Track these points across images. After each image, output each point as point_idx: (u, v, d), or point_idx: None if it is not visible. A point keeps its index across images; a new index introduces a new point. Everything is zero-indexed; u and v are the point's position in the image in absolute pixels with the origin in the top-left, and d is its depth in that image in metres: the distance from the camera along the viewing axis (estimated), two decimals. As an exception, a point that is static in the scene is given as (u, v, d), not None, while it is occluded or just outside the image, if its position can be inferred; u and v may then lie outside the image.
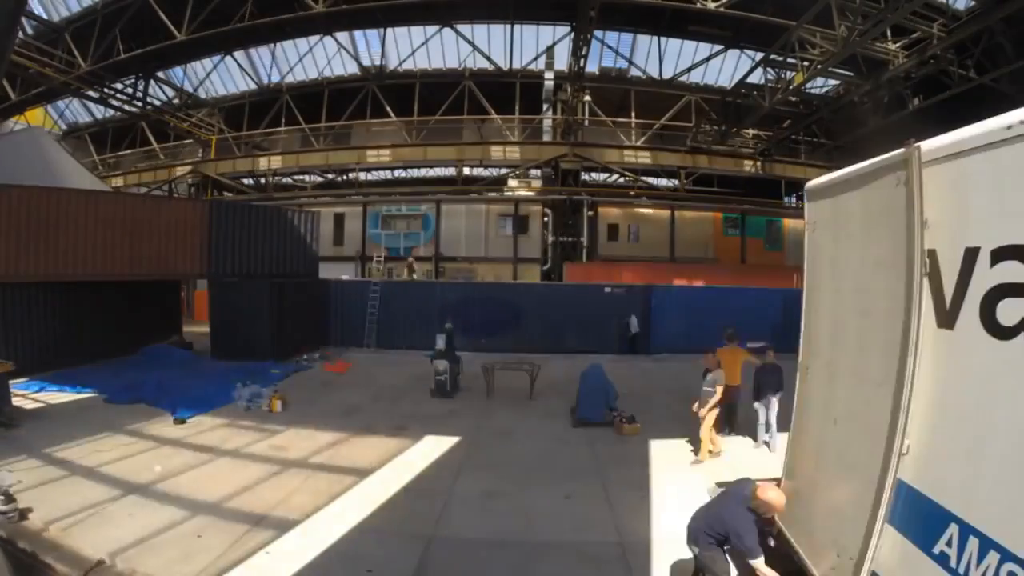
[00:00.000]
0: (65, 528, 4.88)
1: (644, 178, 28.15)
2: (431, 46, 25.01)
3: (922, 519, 2.84)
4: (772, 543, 4.10)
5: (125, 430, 8.33)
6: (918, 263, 2.92)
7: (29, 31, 21.24)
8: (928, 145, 3.02)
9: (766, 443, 8.04)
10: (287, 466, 7.14)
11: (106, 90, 23.77)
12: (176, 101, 27.18)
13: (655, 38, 24.28)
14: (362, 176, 29.32)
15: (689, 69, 25.00)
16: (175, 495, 6.08)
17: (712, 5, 19.63)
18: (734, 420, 8.64)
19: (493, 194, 25.53)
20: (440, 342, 11.23)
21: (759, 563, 3.68)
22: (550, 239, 24.40)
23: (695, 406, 7.67)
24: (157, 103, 26.02)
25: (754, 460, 7.53)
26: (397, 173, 31.72)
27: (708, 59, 24.58)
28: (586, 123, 25.95)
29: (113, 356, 13.53)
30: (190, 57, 25.68)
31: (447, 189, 25.94)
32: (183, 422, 8.86)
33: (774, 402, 7.89)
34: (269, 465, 7.13)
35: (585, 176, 26.25)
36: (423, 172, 31.12)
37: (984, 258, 2.57)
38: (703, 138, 24.35)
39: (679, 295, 17.22)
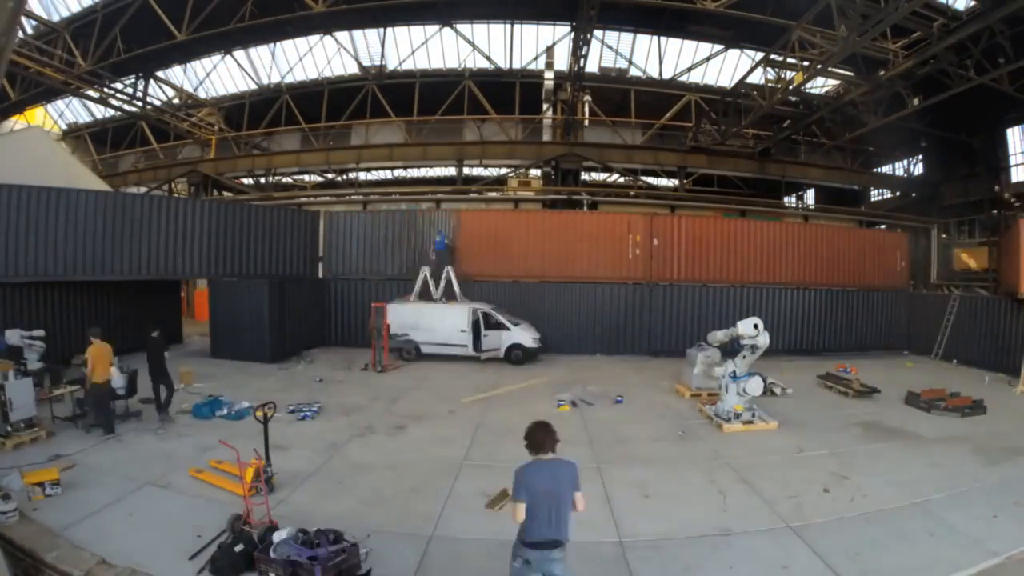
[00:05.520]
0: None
1: (644, 178, 28.14)
2: (431, 46, 25.00)
3: None
4: None
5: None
6: None
7: (29, 31, 21.21)
8: None
9: None
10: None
11: (106, 90, 23.74)
12: (176, 101, 27.16)
13: (655, 38, 24.25)
14: (362, 176, 29.31)
15: (689, 69, 24.99)
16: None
17: (712, 5, 19.61)
18: None
19: (493, 193, 25.50)
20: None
21: None
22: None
23: None
24: (157, 103, 25.99)
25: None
26: (397, 173, 31.69)
27: (708, 59, 24.59)
28: (586, 123, 25.93)
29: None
30: (190, 57, 25.68)
31: (447, 189, 25.91)
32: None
33: None
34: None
35: (585, 176, 26.20)
36: (423, 172, 31.11)
37: None
38: (703, 138, 24.33)
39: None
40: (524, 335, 15.17)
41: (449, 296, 15.83)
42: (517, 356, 15.02)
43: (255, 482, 5.94)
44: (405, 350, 15.10)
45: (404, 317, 15.08)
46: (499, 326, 15.12)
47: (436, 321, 15.02)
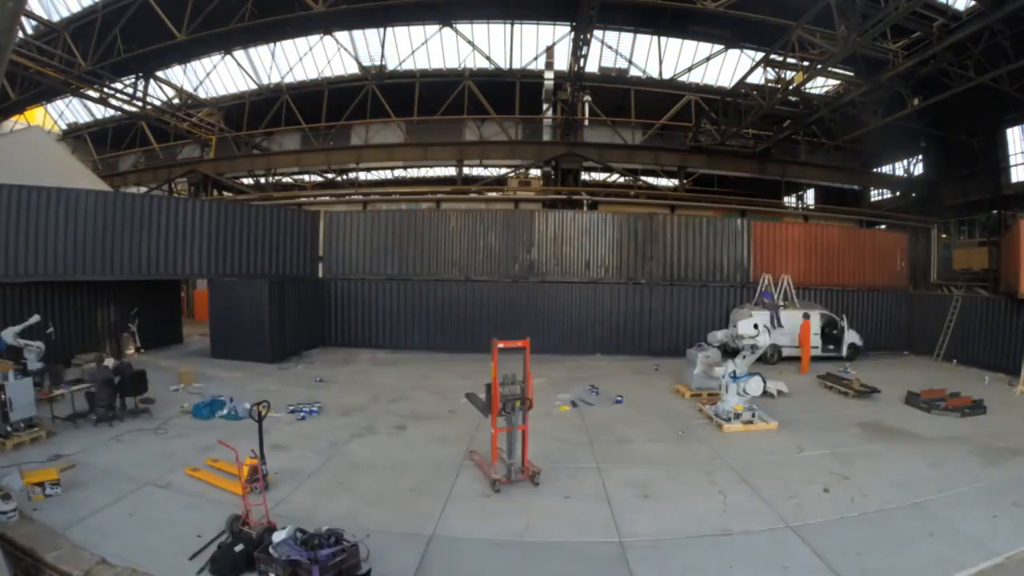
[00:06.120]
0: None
1: (644, 178, 28.13)
2: (431, 46, 24.98)
3: None
4: None
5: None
6: None
7: (29, 31, 21.20)
8: None
9: None
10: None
11: (106, 90, 23.72)
12: (176, 101, 27.15)
13: (655, 38, 24.22)
14: (362, 176, 29.31)
15: (689, 69, 24.97)
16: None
17: (712, 5, 19.61)
18: None
19: (493, 194, 25.50)
20: None
21: None
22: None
23: None
24: (157, 103, 25.99)
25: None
26: (397, 173, 31.70)
27: (708, 59, 24.57)
28: (586, 123, 25.91)
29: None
30: (190, 57, 25.67)
31: (447, 189, 25.91)
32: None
33: None
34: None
35: (585, 176, 26.21)
36: (423, 172, 31.12)
37: None
38: (703, 138, 24.32)
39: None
40: (855, 335, 16.54)
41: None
42: (851, 353, 16.25)
43: (251, 480, 5.94)
44: (767, 353, 15.41)
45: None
46: (842, 328, 16.46)
47: (793, 325, 15.73)
